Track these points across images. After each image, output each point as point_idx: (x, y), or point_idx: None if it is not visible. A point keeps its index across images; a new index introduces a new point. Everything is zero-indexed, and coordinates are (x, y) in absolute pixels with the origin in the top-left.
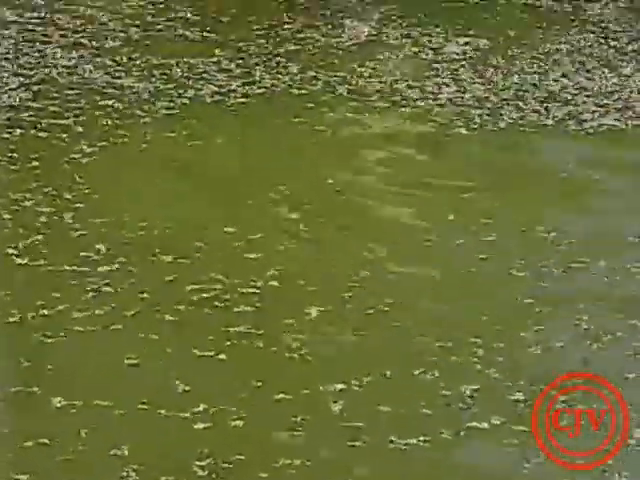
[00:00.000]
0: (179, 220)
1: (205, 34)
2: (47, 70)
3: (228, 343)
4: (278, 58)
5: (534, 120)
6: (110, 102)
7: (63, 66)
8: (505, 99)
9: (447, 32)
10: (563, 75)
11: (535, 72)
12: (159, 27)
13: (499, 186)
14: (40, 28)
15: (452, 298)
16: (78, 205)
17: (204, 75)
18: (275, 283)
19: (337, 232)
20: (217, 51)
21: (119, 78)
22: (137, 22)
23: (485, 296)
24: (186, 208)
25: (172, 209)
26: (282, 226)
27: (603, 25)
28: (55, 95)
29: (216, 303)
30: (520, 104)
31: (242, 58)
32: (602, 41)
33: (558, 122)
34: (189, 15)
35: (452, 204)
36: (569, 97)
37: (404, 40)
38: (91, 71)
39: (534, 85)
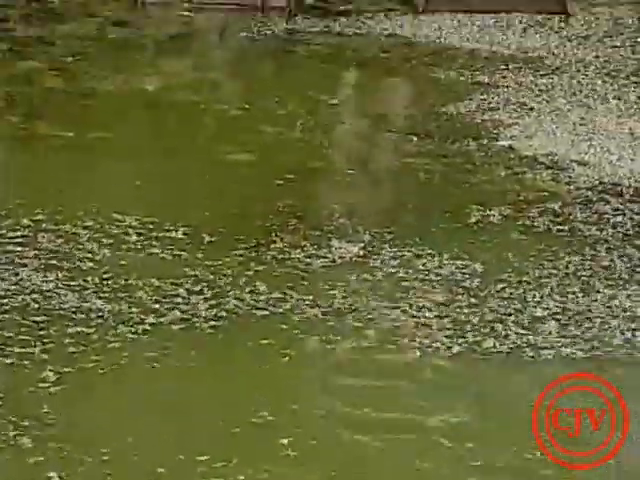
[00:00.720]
0: (145, 449)
1: (178, 252)
2: (20, 297)
3: None
4: (247, 278)
5: (489, 347)
6: (78, 328)
7: (36, 291)
8: (487, 321)
9: (441, 255)
10: (540, 300)
11: (516, 297)
12: (134, 247)
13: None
14: (19, 249)
15: None
16: (38, 433)
17: (171, 298)
18: None
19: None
20: (187, 270)
21: (87, 301)
22: (111, 241)
23: None
24: (154, 436)
25: (140, 437)
26: (256, 449)
27: (597, 248)
28: (24, 322)
29: None
30: (498, 327)
31: (212, 279)
32: (591, 265)
33: (514, 349)
34: (179, 235)
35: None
36: (535, 323)
37: (391, 262)
38: (65, 295)
39: (516, 310)
